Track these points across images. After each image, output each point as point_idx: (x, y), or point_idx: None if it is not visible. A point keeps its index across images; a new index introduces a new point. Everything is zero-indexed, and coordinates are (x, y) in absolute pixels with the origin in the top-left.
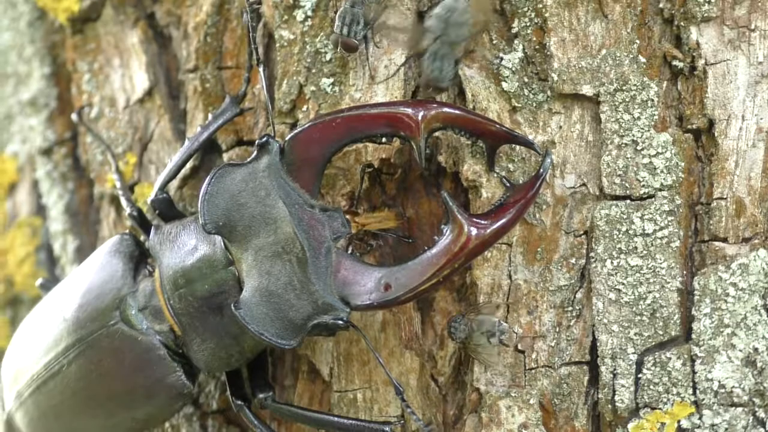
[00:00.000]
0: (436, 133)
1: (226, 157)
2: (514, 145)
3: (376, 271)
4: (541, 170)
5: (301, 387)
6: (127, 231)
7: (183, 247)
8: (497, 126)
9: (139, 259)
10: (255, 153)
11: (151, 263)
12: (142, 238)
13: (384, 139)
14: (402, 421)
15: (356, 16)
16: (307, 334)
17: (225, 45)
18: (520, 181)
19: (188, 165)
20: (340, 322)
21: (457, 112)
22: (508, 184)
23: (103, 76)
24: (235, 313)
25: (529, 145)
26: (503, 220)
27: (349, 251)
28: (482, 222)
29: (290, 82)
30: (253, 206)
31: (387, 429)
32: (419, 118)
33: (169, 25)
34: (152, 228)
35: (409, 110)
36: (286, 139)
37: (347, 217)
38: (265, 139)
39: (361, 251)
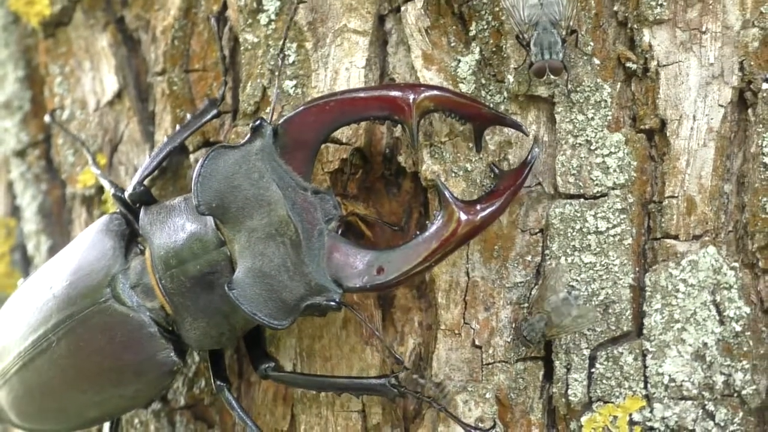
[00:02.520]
0: (427, 115)
1: (192, 158)
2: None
3: (368, 254)
4: (530, 158)
5: (265, 383)
6: (117, 211)
7: (174, 228)
8: (485, 108)
9: (130, 237)
10: (248, 136)
11: (141, 242)
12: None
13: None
14: (396, 374)
15: (553, 38)
16: (300, 315)
17: (192, 48)
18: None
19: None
20: (333, 303)
21: (446, 94)
22: (497, 171)
23: (74, 79)
24: (228, 293)
25: (517, 126)
26: (493, 207)
27: (340, 233)
28: (473, 208)
29: (254, 84)
30: (247, 188)
31: (383, 381)
32: (411, 101)
33: (138, 29)
34: (142, 208)
35: (401, 93)
36: (280, 122)
37: (338, 199)
38: (258, 122)
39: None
